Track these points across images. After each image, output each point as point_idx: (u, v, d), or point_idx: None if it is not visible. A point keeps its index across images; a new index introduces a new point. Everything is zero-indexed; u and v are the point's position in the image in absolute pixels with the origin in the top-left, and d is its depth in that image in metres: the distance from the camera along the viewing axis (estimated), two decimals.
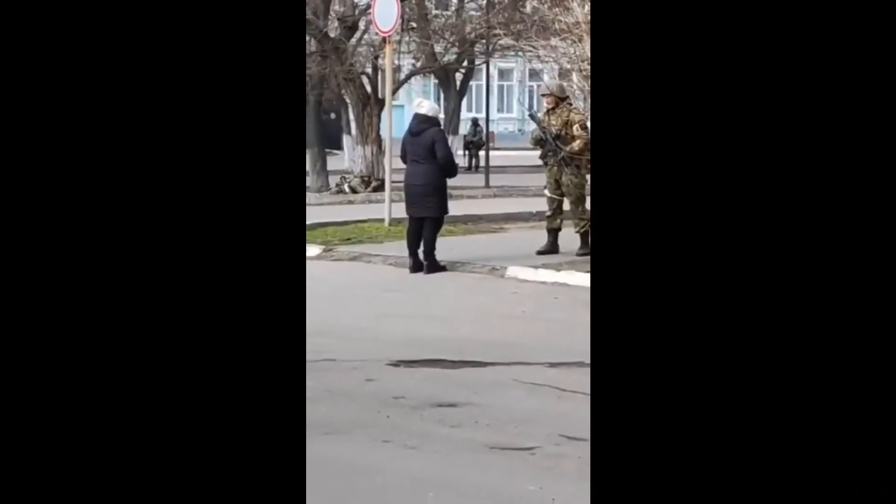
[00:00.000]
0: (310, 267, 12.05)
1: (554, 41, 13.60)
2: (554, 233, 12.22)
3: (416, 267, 11.27)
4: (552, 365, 7.18)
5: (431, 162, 11.20)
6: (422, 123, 11.37)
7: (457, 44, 24.72)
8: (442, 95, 30.06)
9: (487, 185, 22.70)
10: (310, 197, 20.14)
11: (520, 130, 43.96)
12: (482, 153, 26.43)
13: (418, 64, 25.71)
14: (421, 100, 12.14)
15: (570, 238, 12.05)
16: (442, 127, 12.32)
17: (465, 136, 29.44)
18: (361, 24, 21.12)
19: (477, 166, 29.02)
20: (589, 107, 13.23)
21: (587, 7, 13.02)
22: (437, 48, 24.43)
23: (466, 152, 29.74)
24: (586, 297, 10.08)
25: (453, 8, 27.43)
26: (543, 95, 12.72)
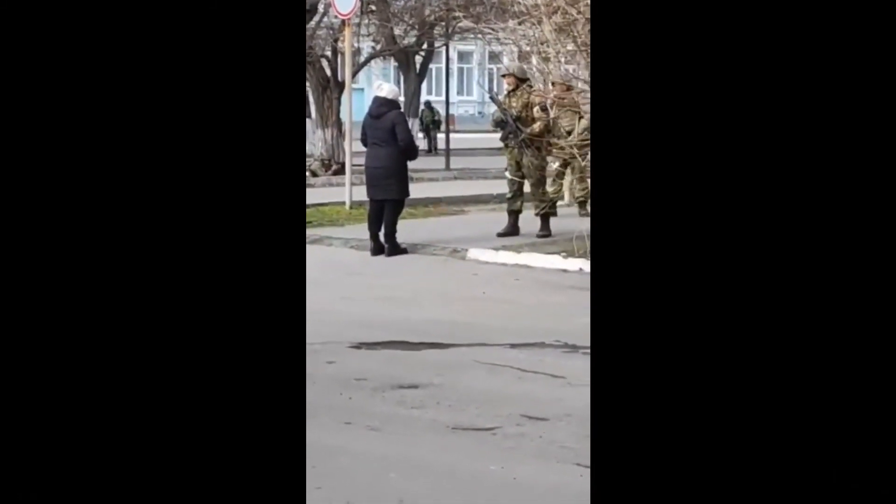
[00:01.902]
0: None
1: (513, 24, 13.59)
2: (514, 215, 12.26)
3: (378, 249, 11.28)
4: (513, 346, 7.21)
5: (392, 144, 11.20)
6: (382, 106, 11.36)
7: (416, 26, 24.68)
8: (402, 78, 29.95)
9: (448, 168, 22.70)
10: None
11: (480, 113, 43.96)
12: (441, 135, 26.41)
13: (378, 47, 25.63)
14: (381, 82, 12.16)
15: (530, 220, 12.09)
16: (402, 110, 12.30)
17: (420, 118, 29.36)
18: (320, 7, 21.03)
19: (435, 148, 28.99)
20: (547, 89, 13.25)
21: None
22: (397, 31, 24.37)
23: (425, 135, 29.68)
24: (546, 279, 10.15)
25: None
26: (504, 76, 12.74)
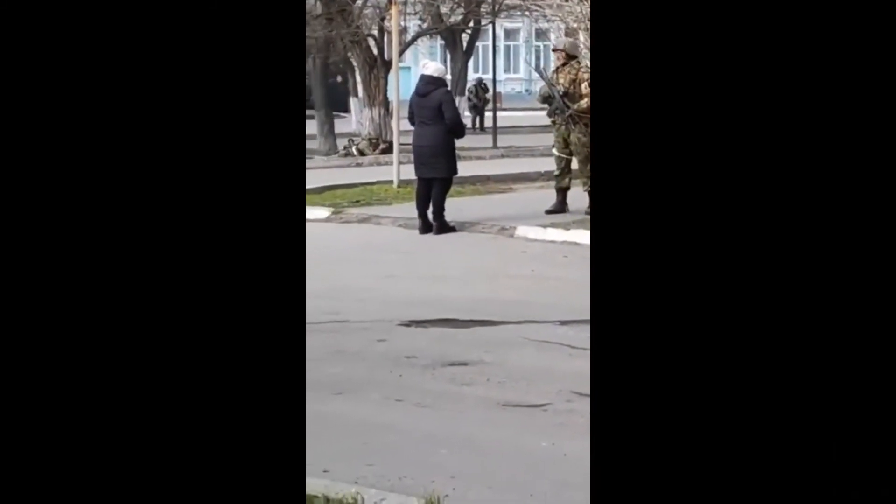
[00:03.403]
0: (319, 229, 12.16)
1: (560, 0, 13.54)
2: (562, 192, 12.21)
3: (426, 228, 11.29)
4: (562, 323, 7.21)
5: (439, 123, 11.19)
6: (429, 85, 11.36)
7: (463, 4, 24.64)
8: (448, 56, 29.96)
9: (495, 146, 22.65)
10: (318, 160, 20.16)
11: (527, 91, 43.81)
12: (489, 114, 26.36)
13: (424, 25, 25.61)
14: (427, 61, 12.14)
15: (578, 197, 12.04)
16: (449, 88, 12.29)
17: (467, 97, 29.24)
18: None
19: (482, 127, 28.93)
20: None
21: None
22: (443, 9, 24.34)
23: (471, 114, 29.57)
24: None
25: None
26: (554, 51, 12.68)
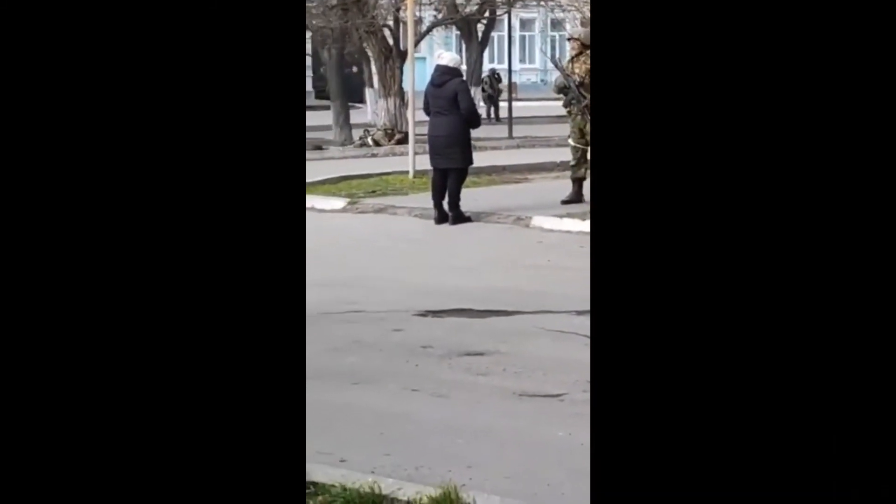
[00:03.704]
0: (335, 219, 12.17)
1: None
2: (578, 182, 12.19)
3: (441, 218, 11.28)
4: (579, 313, 7.19)
5: (454, 113, 11.18)
6: (444, 75, 11.35)
7: None
8: (464, 47, 29.90)
9: (511, 136, 22.62)
10: (333, 150, 20.18)
11: (542, 81, 43.73)
12: (504, 104, 26.32)
13: (440, 15, 25.57)
14: (442, 51, 12.10)
15: None
16: (464, 78, 12.26)
17: (482, 87, 29.16)
18: None
19: (497, 117, 28.89)
20: None
21: None
22: None
23: (485, 104, 29.51)
24: None
25: None
26: (569, 40, 12.65)
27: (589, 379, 5.52)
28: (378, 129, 21.31)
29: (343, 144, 21.37)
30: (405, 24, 19.23)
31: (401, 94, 21.11)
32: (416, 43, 19.67)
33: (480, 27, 28.90)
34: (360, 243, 10.44)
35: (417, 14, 21.77)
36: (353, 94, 24.86)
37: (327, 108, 23.74)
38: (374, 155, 19.54)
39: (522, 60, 44.92)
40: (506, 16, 26.47)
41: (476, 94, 25.09)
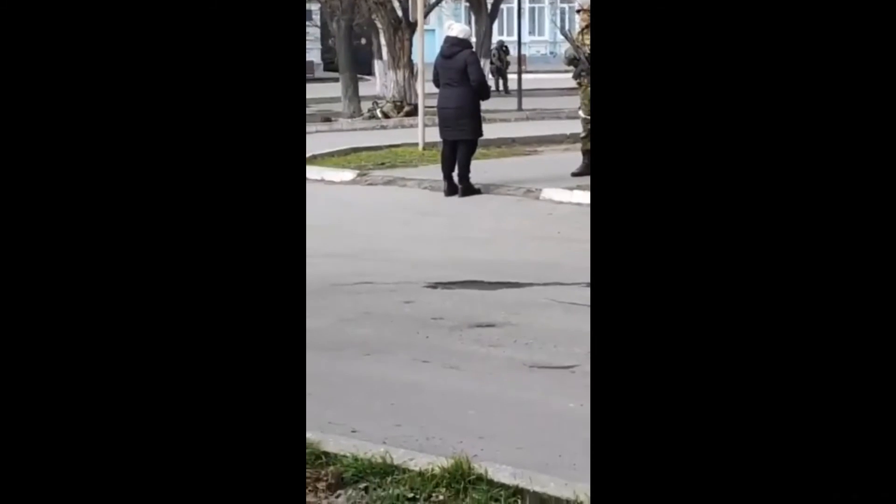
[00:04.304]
0: (344, 192, 12.18)
1: None
2: (589, 154, 12.16)
3: (451, 190, 11.27)
4: (589, 285, 7.18)
5: (464, 85, 11.15)
6: (454, 46, 11.32)
7: None
8: (473, 18, 29.82)
9: (520, 108, 22.57)
10: (342, 122, 20.15)
11: (551, 53, 43.62)
12: (513, 76, 26.23)
13: None
14: (452, 22, 12.06)
15: None
16: (474, 50, 12.22)
17: (490, 60, 29.06)
18: None
19: (506, 89, 28.80)
20: None
21: None
22: None
23: (493, 77, 29.40)
24: None
25: None
26: (578, 11, 12.59)
27: None
28: (387, 102, 21.27)
29: (352, 116, 21.34)
30: None
31: (410, 66, 21.06)
32: (426, 14, 19.60)
33: None
34: (370, 215, 10.44)
35: None
36: (361, 66, 24.78)
37: (336, 80, 23.68)
38: (383, 127, 19.50)
39: (532, 32, 44.81)
40: None
41: (485, 66, 25.00)
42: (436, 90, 11.67)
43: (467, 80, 11.14)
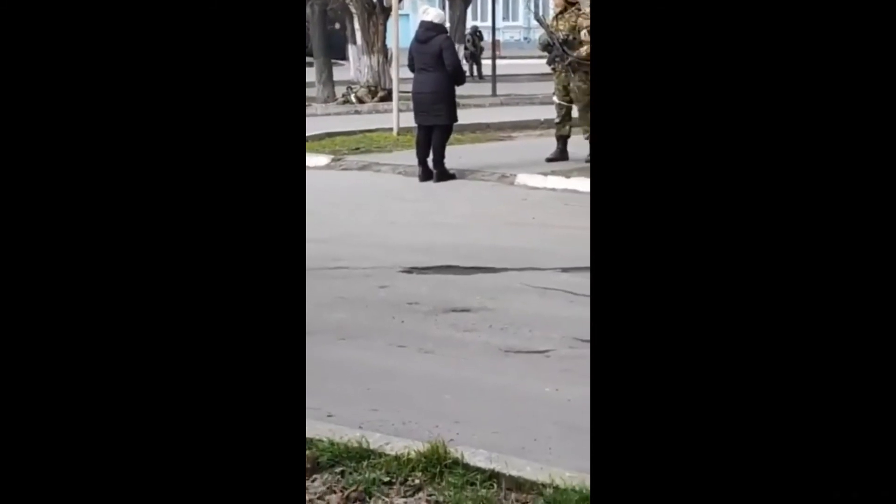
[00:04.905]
0: (319, 176, 12.15)
1: None
2: (563, 140, 12.19)
3: (426, 175, 11.27)
4: (564, 270, 7.21)
5: (440, 69, 11.14)
6: (429, 31, 11.30)
7: None
8: (447, 3, 29.78)
9: (494, 94, 22.57)
10: (316, 107, 20.09)
11: (525, 38, 43.60)
12: (487, 62, 26.22)
13: None
14: (427, 7, 12.04)
15: (579, 145, 12.01)
16: (449, 34, 12.21)
17: (464, 45, 29.00)
18: None
19: (480, 75, 28.77)
20: None
21: None
22: None
23: (467, 62, 29.37)
24: None
25: None
26: None
27: (575, 336, 5.58)
28: (361, 86, 21.23)
29: (326, 101, 21.29)
30: None
31: (384, 50, 21.03)
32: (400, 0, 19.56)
33: None
34: (345, 200, 10.42)
35: None
36: (335, 50, 24.73)
37: (310, 64, 23.64)
38: (357, 112, 19.47)
39: (506, 18, 44.78)
40: None
41: (459, 51, 24.96)
42: (410, 75, 11.66)
43: (442, 65, 11.14)
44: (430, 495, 3.69)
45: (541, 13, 18.23)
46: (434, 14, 11.68)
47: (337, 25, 26.61)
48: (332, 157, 12.81)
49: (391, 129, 14.83)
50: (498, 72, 24.06)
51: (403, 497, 3.71)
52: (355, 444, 3.98)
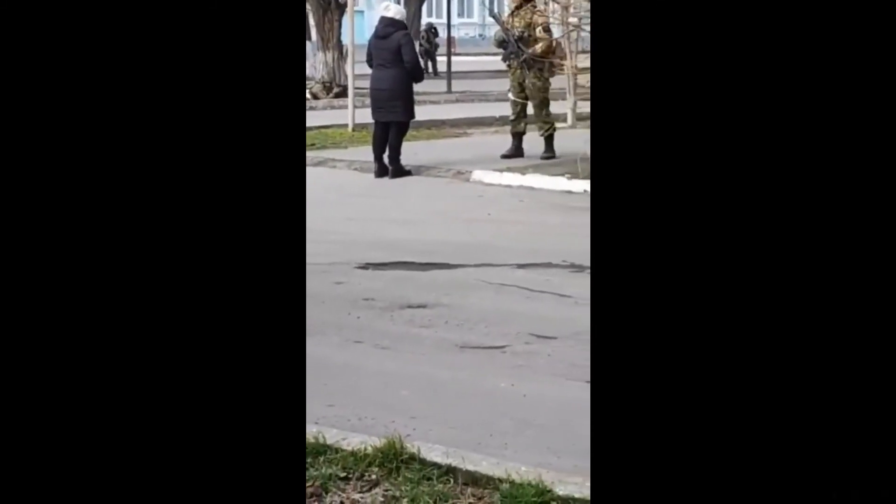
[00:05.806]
0: None
1: None
2: (518, 136, 12.22)
3: (382, 171, 11.27)
4: (520, 266, 7.24)
5: (398, 66, 11.14)
6: (388, 27, 11.30)
7: None
8: (402, 0, 29.76)
9: (450, 91, 22.58)
10: None
11: (480, 35, 43.64)
12: (442, 59, 26.22)
13: None
14: (388, 3, 12.02)
15: (534, 142, 12.06)
16: (408, 31, 12.21)
17: (419, 42, 29.00)
18: None
19: (435, 71, 28.77)
20: (551, 9, 13.17)
21: None
22: None
23: (423, 59, 29.34)
24: (551, 200, 10.16)
25: None
26: None
27: (530, 331, 5.61)
28: (316, 83, 21.17)
29: None
30: None
31: (339, 46, 20.98)
32: None
33: None
34: None
35: None
36: None
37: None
38: (312, 108, 19.38)
39: (461, 14, 44.79)
40: None
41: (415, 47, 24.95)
42: (366, 71, 11.65)
43: (401, 62, 11.14)
44: (387, 490, 3.70)
45: (496, 10, 18.27)
46: (395, 10, 11.68)
47: None
48: None
49: (346, 126, 14.81)
50: (453, 68, 24.06)
51: (360, 492, 3.72)
52: (312, 440, 3.98)
